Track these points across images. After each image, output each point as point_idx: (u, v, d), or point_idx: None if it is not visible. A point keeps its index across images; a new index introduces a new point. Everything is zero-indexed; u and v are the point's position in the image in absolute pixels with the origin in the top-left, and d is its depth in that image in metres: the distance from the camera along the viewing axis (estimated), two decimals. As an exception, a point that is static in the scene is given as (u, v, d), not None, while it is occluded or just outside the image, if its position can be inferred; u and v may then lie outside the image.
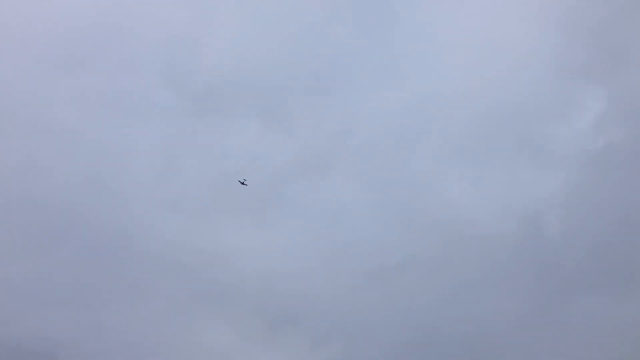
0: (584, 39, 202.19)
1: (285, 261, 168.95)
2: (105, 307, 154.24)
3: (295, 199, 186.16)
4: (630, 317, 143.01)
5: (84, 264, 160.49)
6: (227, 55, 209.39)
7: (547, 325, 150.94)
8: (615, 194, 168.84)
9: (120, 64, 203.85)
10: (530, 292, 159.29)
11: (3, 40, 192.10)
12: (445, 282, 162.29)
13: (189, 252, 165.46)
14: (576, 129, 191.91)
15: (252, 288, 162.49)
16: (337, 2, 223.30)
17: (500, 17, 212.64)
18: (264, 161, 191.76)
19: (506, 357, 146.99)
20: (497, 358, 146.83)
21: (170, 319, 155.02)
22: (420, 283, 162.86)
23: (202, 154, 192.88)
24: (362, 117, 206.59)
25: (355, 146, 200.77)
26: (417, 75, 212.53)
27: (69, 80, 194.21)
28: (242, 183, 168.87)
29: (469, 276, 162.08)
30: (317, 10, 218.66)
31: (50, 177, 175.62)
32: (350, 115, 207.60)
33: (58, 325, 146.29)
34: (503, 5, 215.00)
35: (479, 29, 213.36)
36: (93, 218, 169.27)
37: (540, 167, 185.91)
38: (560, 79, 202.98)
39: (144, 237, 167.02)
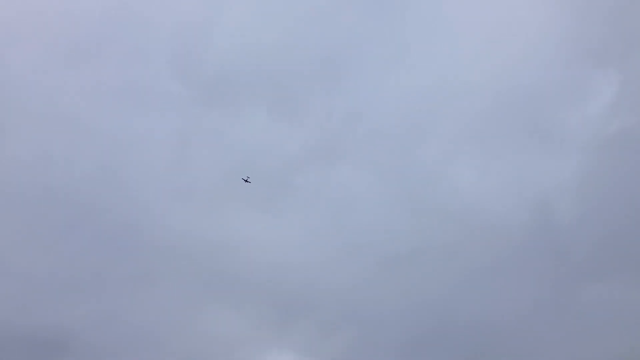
0: (596, 22, 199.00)
1: (295, 250, 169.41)
2: (117, 296, 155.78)
3: (305, 188, 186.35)
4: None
5: (96, 255, 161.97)
6: (236, 44, 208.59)
7: (558, 313, 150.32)
8: (628, 180, 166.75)
9: (129, 54, 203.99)
10: (542, 280, 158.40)
11: (13, 32, 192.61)
12: (456, 270, 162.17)
13: (200, 242, 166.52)
14: (588, 114, 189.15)
15: (262, 277, 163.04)
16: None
17: (512, 1, 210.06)
18: (273, 150, 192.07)
19: (517, 345, 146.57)
20: (508, 345, 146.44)
21: (181, 308, 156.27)
22: (431, 271, 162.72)
23: (212, 143, 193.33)
24: (372, 105, 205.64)
25: (364, 134, 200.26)
26: (427, 62, 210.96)
27: (79, 71, 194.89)
28: (246, 181, 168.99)
29: (480, 264, 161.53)
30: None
31: (60, 168, 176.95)
32: (359, 103, 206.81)
33: (70, 314, 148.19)
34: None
35: (490, 14, 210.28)
36: (103, 209, 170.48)
37: (552, 154, 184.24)
38: (572, 63, 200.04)
39: (154, 228, 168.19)
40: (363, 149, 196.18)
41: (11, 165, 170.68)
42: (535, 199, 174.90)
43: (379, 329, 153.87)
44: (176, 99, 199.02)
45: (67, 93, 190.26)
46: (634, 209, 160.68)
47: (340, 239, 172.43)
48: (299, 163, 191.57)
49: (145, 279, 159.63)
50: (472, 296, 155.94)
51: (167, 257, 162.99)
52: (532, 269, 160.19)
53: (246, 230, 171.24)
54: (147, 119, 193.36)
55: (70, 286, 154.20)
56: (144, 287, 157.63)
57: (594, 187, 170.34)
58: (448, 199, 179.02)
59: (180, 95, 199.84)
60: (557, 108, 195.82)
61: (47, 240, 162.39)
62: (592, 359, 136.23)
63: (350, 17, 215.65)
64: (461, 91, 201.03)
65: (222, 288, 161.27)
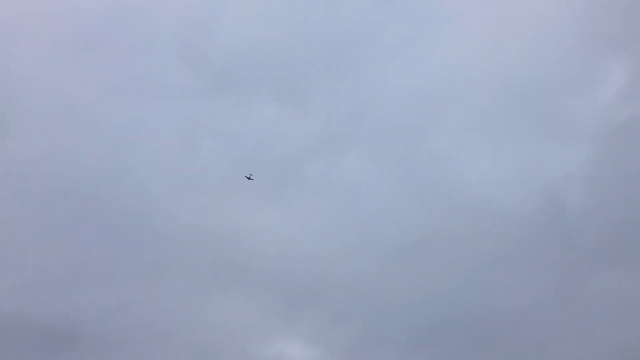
0: (605, 10, 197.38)
1: (303, 240, 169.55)
2: (126, 287, 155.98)
3: (313, 178, 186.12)
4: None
5: (104, 246, 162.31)
6: (243, 35, 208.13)
7: (568, 302, 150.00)
8: (638, 169, 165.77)
9: (136, 46, 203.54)
10: (552, 269, 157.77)
11: (20, 25, 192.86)
12: (465, 260, 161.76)
13: (208, 233, 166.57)
14: (598, 102, 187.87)
15: (271, 267, 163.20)
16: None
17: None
18: (281, 140, 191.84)
19: (527, 334, 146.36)
20: (517, 335, 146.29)
21: (190, 298, 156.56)
22: (440, 261, 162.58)
23: (220, 133, 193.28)
24: (380, 95, 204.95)
25: (373, 124, 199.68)
26: (436, 50, 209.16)
27: (85, 64, 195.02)
28: (249, 178, 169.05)
29: (489, 254, 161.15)
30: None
31: (69, 161, 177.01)
32: (368, 93, 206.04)
33: (79, 305, 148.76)
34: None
35: (500, 2, 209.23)
36: (112, 200, 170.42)
37: (561, 143, 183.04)
38: (581, 51, 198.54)
39: (163, 218, 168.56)
40: (371, 139, 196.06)
41: (21, 159, 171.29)
42: (544, 188, 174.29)
43: (387, 319, 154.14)
44: (183, 90, 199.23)
45: (74, 86, 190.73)
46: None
47: (348, 229, 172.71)
48: (307, 153, 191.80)
49: (154, 269, 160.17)
50: (481, 286, 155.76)
51: (176, 248, 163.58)
52: (541, 259, 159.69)
53: (254, 221, 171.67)
54: (155, 110, 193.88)
55: (80, 277, 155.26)
56: (153, 278, 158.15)
57: (603, 176, 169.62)
58: (457, 189, 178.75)
59: (187, 86, 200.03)
60: (566, 97, 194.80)
61: (57, 232, 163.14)
62: (601, 348, 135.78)
63: (358, 8, 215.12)
64: (471, 79, 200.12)
65: (231, 278, 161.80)
